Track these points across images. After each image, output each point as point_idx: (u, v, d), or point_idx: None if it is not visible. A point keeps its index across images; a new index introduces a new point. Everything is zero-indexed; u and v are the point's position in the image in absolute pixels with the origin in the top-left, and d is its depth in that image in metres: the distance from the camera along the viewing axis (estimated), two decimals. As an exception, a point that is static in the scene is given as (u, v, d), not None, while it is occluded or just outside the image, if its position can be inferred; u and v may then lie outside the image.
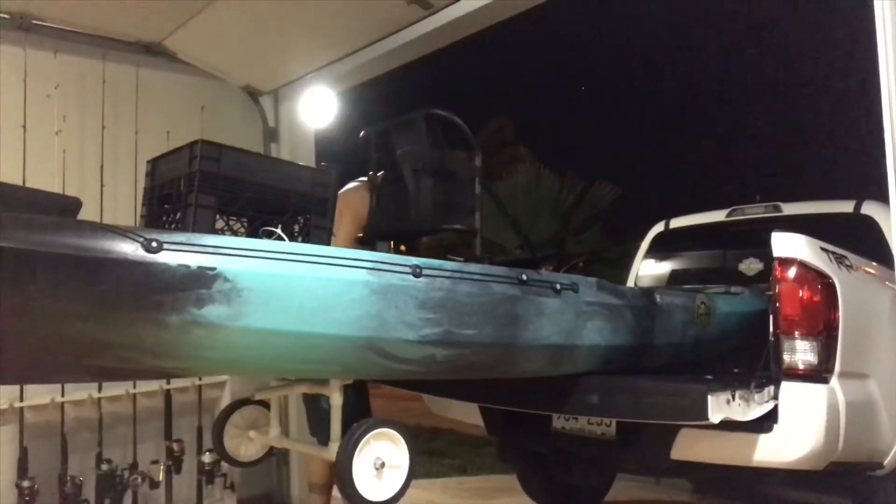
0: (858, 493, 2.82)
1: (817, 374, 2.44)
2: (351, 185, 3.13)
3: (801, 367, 2.45)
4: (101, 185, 3.56)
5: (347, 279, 1.66)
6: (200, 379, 3.83)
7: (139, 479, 3.53)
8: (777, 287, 2.49)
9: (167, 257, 1.43)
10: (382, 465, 1.88)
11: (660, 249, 4.62)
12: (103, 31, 3.75)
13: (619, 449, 2.81)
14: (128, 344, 1.46)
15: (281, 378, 2.29)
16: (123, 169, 3.60)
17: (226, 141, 1.98)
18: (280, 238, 1.96)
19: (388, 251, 2.58)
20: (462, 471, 5.96)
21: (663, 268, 4.60)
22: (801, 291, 2.48)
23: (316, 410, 3.06)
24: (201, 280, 1.46)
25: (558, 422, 2.94)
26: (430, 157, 2.42)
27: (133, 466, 3.59)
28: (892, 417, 2.70)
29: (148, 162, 2.11)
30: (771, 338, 2.48)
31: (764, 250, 2.65)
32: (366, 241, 2.70)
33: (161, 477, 3.61)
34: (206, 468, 3.70)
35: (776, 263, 2.50)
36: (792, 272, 2.48)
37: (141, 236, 1.41)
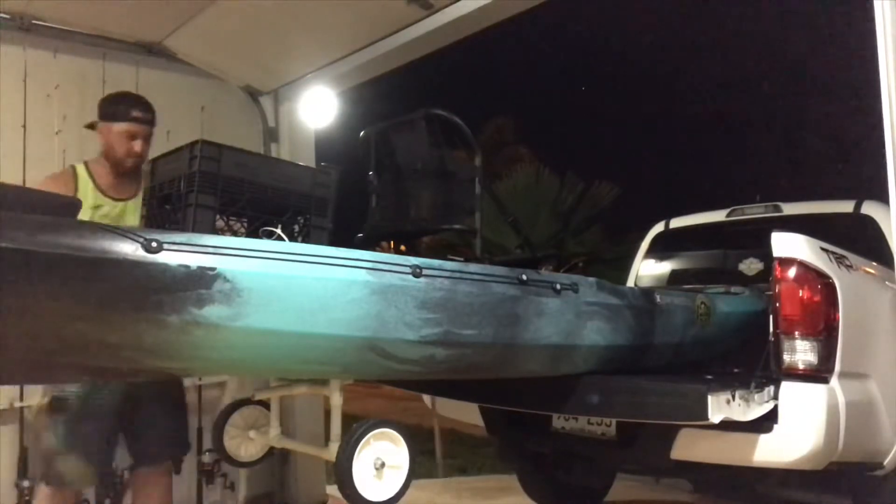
0: (858, 493, 2.82)
1: (817, 374, 2.44)
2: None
3: (801, 367, 2.45)
4: (101, 185, 3.56)
5: (347, 279, 1.66)
6: (200, 379, 3.83)
7: (139, 479, 3.53)
8: (777, 287, 2.49)
9: (167, 257, 1.43)
10: (382, 465, 1.88)
11: (660, 249, 4.61)
12: (103, 31, 3.74)
13: (619, 449, 2.81)
14: (128, 344, 1.46)
15: (281, 378, 2.29)
16: (123, 169, 3.60)
17: (226, 141, 1.98)
18: (280, 238, 1.96)
19: (389, 251, 2.58)
20: (462, 471, 5.97)
21: (663, 268, 4.59)
22: (801, 291, 2.48)
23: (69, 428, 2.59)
24: (201, 280, 1.45)
25: (558, 422, 2.94)
26: (430, 158, 2.42)
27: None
28: (892, 417, 2.70)
29: (148, 162, 2.12)
30: (771, 338, 2.48)
31: (764, 250, 2.65)
32: (366, 240, 2.70)
33: (161, 477, 3.61)
34: (206, 468, 3.70)
35: (776, 263, 2.50)
36: (792, 272, 2.48)
37: (141, 236, 1.41)
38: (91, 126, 2.80)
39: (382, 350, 1.74)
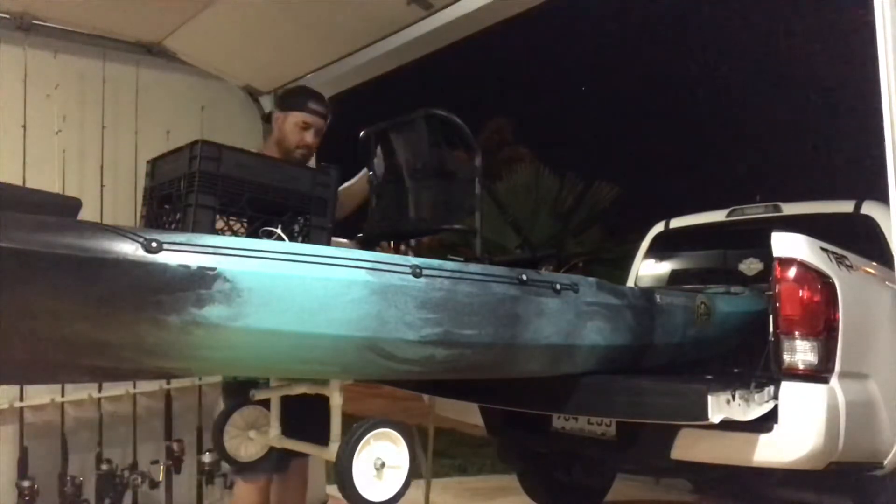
0: (858, 493, 2.82)
1: (817, 374, 2.45)
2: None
3: (801, 367, 2.45)
4: (101, 185, 3.56)
5: (347, 279, 1.66)
6: (200, 379, 3.83)
7: (139, 479, 3.53)
8: (777, 287, 2.49)
9: (167, 257, 1.43)
10: (382, 465, 1.88)
11: (660, 249, 4.62)
12: (103, 31, 3.74)
13: (619, 449, 2.81)
14: (128, 344, 1.46)
15: (281, 378, 2.29)
16: (123, 169, 3.60)
17: (226, 141, 1.98)
18: (280, 238, 1.96)
19: (389, 251, 2.58)
20: (462, 471, 5.96)
21: (663, 268, 4.60)
22: (801, 291, 2.48)
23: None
24: (201, 280, 1.45)
25: (558, 422, 2.94)
26: (429, 158, 2.42)
27: (133, 466, 3.58)
28: (892, 417, 2.70)
29: (148, 162, 2.12)
30: (771, 338, 2.48)
31: (764, 250, 2.65)
32: (366, 240, 2.70)
33: (161, 477, 3.61)
34: (206, 468, 3.70)
35: (776, 263, 2.50)
36: (792, 272, 2.48)
37: (141, 236, 1.41)
38: (268, 118, 2.81)
39: (382, 350, 1.74)
